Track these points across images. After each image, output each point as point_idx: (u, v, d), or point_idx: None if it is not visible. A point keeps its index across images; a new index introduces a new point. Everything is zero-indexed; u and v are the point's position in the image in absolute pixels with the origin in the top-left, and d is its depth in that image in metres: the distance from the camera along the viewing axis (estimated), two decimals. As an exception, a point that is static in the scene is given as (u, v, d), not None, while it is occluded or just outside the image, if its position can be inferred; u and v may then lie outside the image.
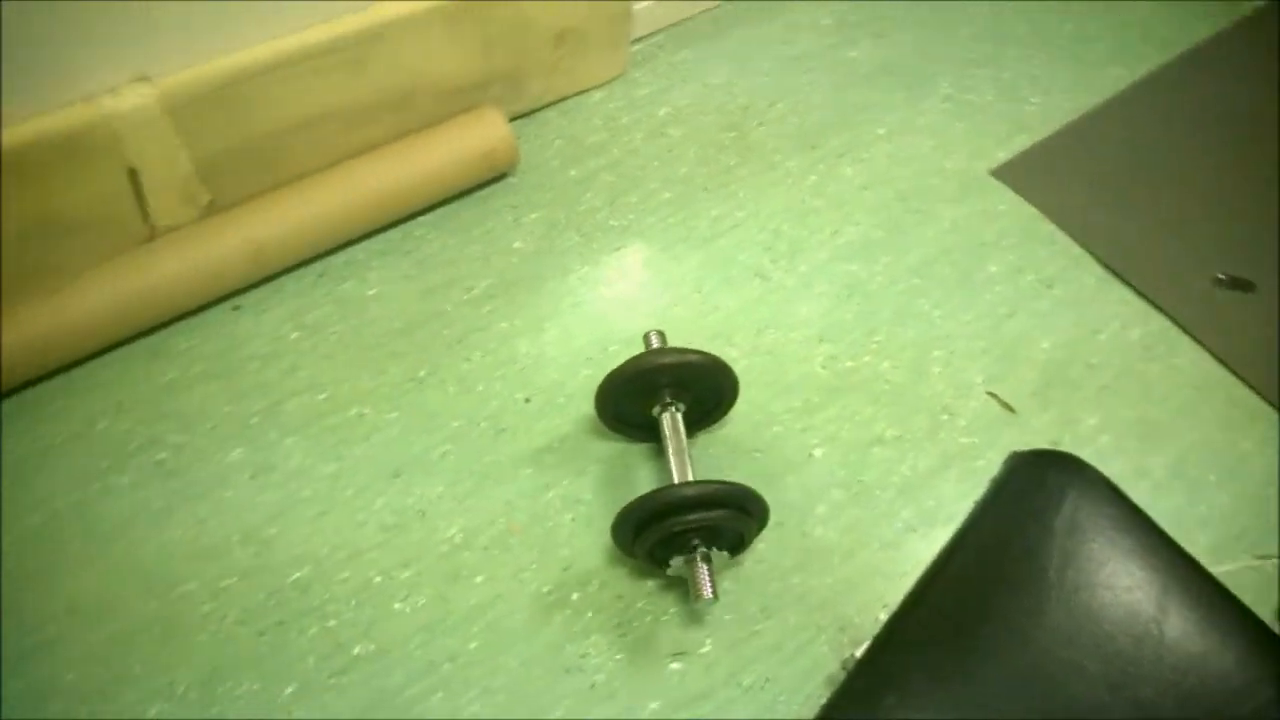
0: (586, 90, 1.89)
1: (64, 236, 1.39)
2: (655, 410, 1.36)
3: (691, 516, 1.19)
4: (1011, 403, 1.50)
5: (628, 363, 1.32)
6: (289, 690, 1.21)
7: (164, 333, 1.52)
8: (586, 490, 1.39)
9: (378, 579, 1.29)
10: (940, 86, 1.94)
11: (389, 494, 1.37)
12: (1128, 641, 0.82)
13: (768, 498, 1.30)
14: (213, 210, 1.51)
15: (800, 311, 1.59)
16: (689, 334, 1.55)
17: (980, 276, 1.65)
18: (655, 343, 1.39)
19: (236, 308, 1.56)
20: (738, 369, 1.39)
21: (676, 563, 1.23)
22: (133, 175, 1.39)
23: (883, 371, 1.53)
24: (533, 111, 1.84)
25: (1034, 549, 0.88)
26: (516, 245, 1.66)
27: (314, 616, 1.26)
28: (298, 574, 1.30)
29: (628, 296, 1.61)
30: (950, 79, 1.96)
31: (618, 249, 1.66)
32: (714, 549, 1.23)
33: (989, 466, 0.92)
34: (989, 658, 0.82)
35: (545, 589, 1.30)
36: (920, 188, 1.77)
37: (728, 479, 1.22)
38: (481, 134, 1.65)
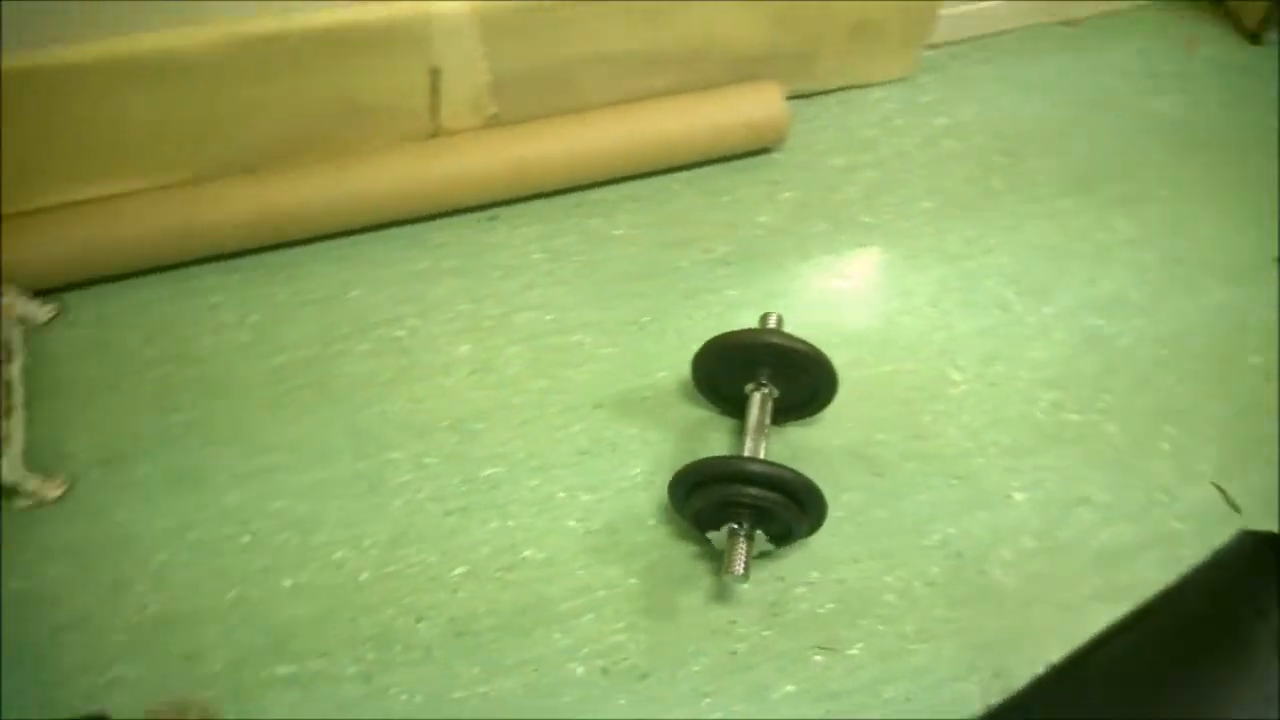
0: (870, 85, 1.89)
1: (360, 118, 1.52)
2: (749, 387, 1.36)
3: (748, 491, 1.19)
4: (1238, 501, 1.41)
5: (735, 332, 1.32)
6: (459, 570, 1.30)
7: (425, 225, 1.63)
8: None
9: (561, 494, 1.36)
10: (1245, 162, 1.82)
11: (588, 421, 1.44)
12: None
13: (952, 527, 1.29)
14: (494, 122, 1.61)
15: (1034, 352, 1.55)
16: (913, 344, 1.54)
17: (1237, 366, 1.55)
18: (772, 324, 1.40)
19: (493, 218, 1.66)
20: (958, 391, 1.38)
21: (719, 533, 1.25)
22: (434, 75, 1.51)
23: (1107, 433, 1.47)
24: (811, 94, 1.86)
25: (1242, 631, 0.81)
26: (763, 219, 1.68)
27: (496, 512, 1.35)
28: (491, 470, 1.38)
29: (861, 293, 1.61)
30: (1257, 158, 1.83)
31: (863, 245, 1.67)
32: (759, 531, 1.23)
33: (1195, 557, 0.88)
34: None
35: (706, 548, 1.33)
36: (1194, 258, 1.68)
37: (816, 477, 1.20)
38: (757, 105, 1.68)
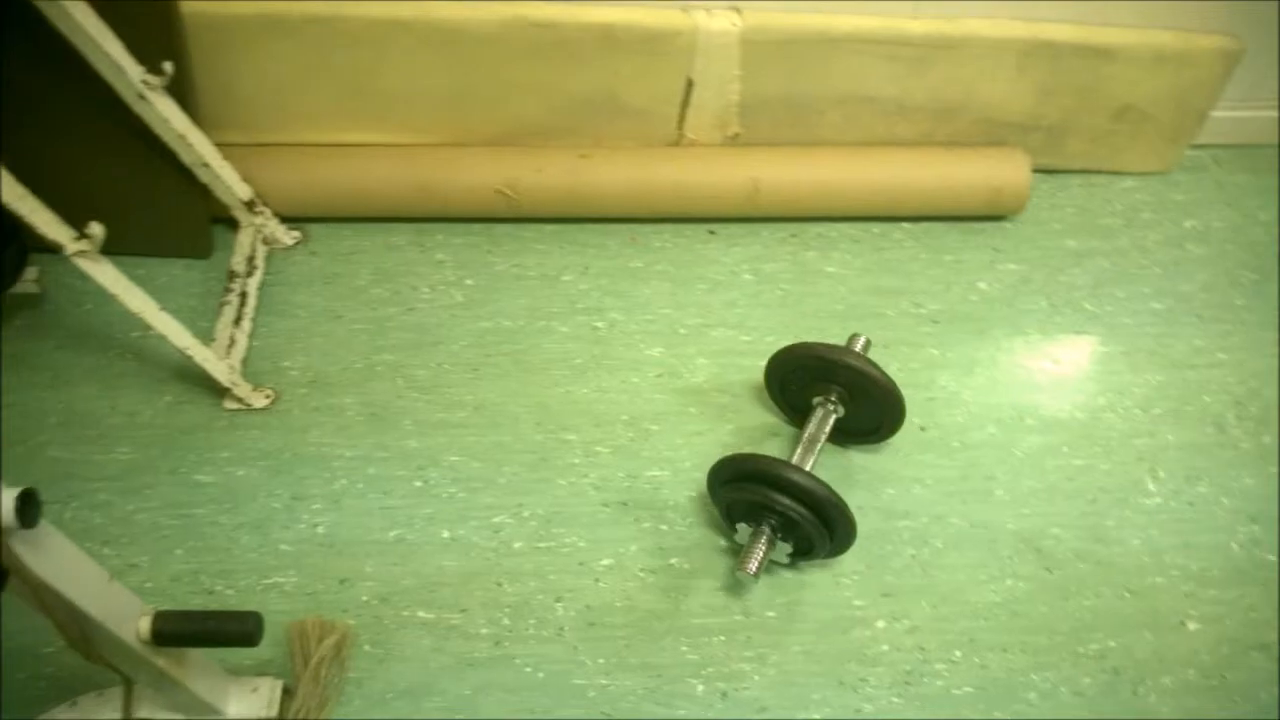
0: (1121, 173, 1.82)
1: (612, 114, 1.59)
2: (816, 400, 1.36)
3: (779, 498, 1.21)
4: None
5: (816, 344, 1.34)
6: (605, 562, 1.32)
7: (646, 226, 1.68)
8: (936, 538, 1.38)
9: (718, 512, 1.37)
10: None
11: (761, 447, 1.44)
12: None
13: (1114, 640, 1.23)
14: (733, 141, 1.64)
15: (1243, 480, 1.45)
16: (1113, 444, 1.47)
17: None
18: (859, 346, 1.39)
19: (712, 231, 1.69)
20: (1151, 503, 1.32)
21: (744, 529, 1.27)
22: (689, 86, 1.55)
23: (1303, 583, 1.37)
24: (1056, 171, 1.80)
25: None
26: (981, 286, 1.65)
27: (652, 513, 1.37)
28: (656, 472, 1.41)
29: (1068, 380, 1.55)
30: None
31: (1080, 332, 1.60)
32: (781, 538, 1.24)
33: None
34: None
35: (858, 602, 1.31)
36: None
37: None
38: (1000, 171, 1.65)
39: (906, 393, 1.49)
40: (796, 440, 1.37)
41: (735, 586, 1.31)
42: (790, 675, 1.25)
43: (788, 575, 1.32)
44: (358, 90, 1.56)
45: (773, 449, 1.44)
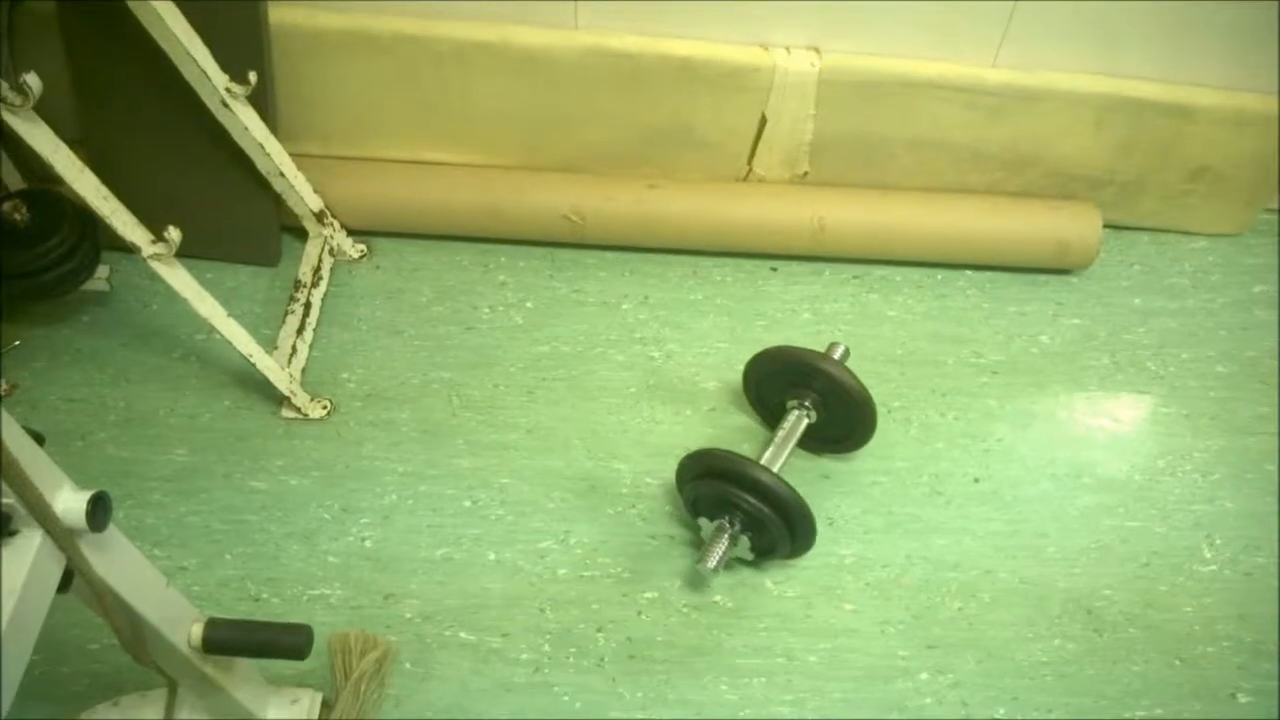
0: (1192, 233, 1.79)
1: (684, 146, 1.60)
2: (790, 403, 1.38)
3: (745, 496, 1.23)
4: None
5: (794, 348, 1.36)
6: (649, 595, 1.32)
7: (708, 259, 1.68)
8: (985, 592, 1.36)
9: (766, 552, 1.36)
10: None
11: (811, 488, 1.43)
12: None
13: (1161, 709, 1.22)
14: (802, 180, 1.64)
15: (1305, 553, 1.42)
16: (1170, 508, 1.45)
17: None
18: (838, 354, 1.38)
19: (774, 269, 1.68)
20: (1207, 570, 1.30)
21: (708, 524, 1.29)
22: (763, 123, 1.56)
23: (1362, 665, 1.33)
24: (1126, 228, 1.78)
25: None
26: (1043, 339, 1.63)
27: (697, 548, 1.35)
28: (706, 508, 1.40)
29: (1127, 440, 1.52)
30: None
31: (1142, 392, 1.58)
32: (744, 535, 1.27)
33: None
34: None
35: (903, 653, 1.30)
36: None
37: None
38: (1071, 224, 1.63)
39: (962, 443, 1.48)
40: (767, 441, 1.38)
41: (778, 628, 1.30)
42: (834, 715, 1.24)
43: (832, 620, 1.31)
44: (434, 109, 1.58)
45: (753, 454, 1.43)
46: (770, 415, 1.47)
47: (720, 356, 1.56)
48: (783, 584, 1.34)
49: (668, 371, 1.54)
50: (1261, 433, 1.55)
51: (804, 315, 1.63)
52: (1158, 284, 1.73)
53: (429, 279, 1.62)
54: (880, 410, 1.48)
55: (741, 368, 1.50)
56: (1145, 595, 1.36)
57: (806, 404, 1.38)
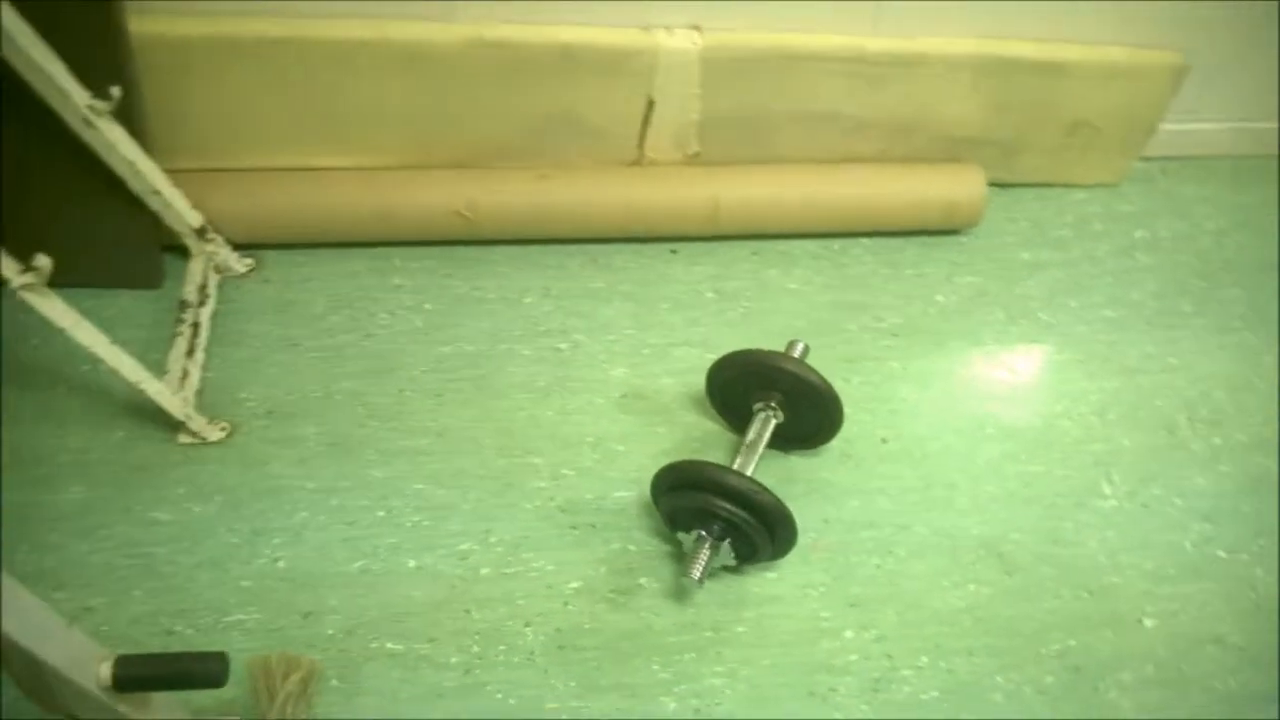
0: (1072, 186, 1.85)
1: (573, 134, 1.59)
2: (756, 406, 1.37)
3: (721, 503, 1.22)
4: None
5: (756, 351, 1.36)
6: (574, 585, 1.31)
7: (608, 246, 1.67)
8: (900, 547, 1.38)
9: (688, 532, 1.37)
10: None
11: (728, 462, 1.43)
12: None
13: (1074, 639, 1.26)
14: (693, 160, 1.65)
15: (1195, 480, 1.49)
16: (1069, 450, 1.50)
17: None
18: (797, 352, 1.40)
19: (674, 250, 1.68)
20: (1105, 507, 1.35)
21: (688, 536, 1.27)
22: (649, 105, 1.56)
23: (1254, 578, 1.40)
24: (1010, 185, 1.83)
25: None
26: (939, 299, 1.66)
27: (620, 533, 1.36)
28: (624, 493, 1.40)
29: (1025, 389, 1.57)
30: None
31: (1036, 341, 1.63)
32: (725, 543, 1.25)
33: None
34: None
35: (825, 614, 1.31)
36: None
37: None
38: (956, 186, 1.67)
39: (869, 406, 1.51)
40: (738, 446, 1.38)
41: (705, 605, 1.30)
42: (761, 688, 1.24)
43: (756, 590, 1.32)
44: (314, 113, 1.53)
45: (716, 456, 1.44)
46: (737, 419, 1.45)
47: (627, 343, 1.56)
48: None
49: (576, 362, 1.53)
50: (1150, 371, 1.61)
51: (707, 295, 1.63)
52: (1044, 237, 1.78)
53: (322, 288, 1.58)
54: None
55: (649, 351, 1.50)
56: (1052, 534, 1.41)
57: (773, 405, 1.38)
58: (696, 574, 1.24)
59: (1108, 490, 1.47)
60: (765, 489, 1.23)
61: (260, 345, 1.51)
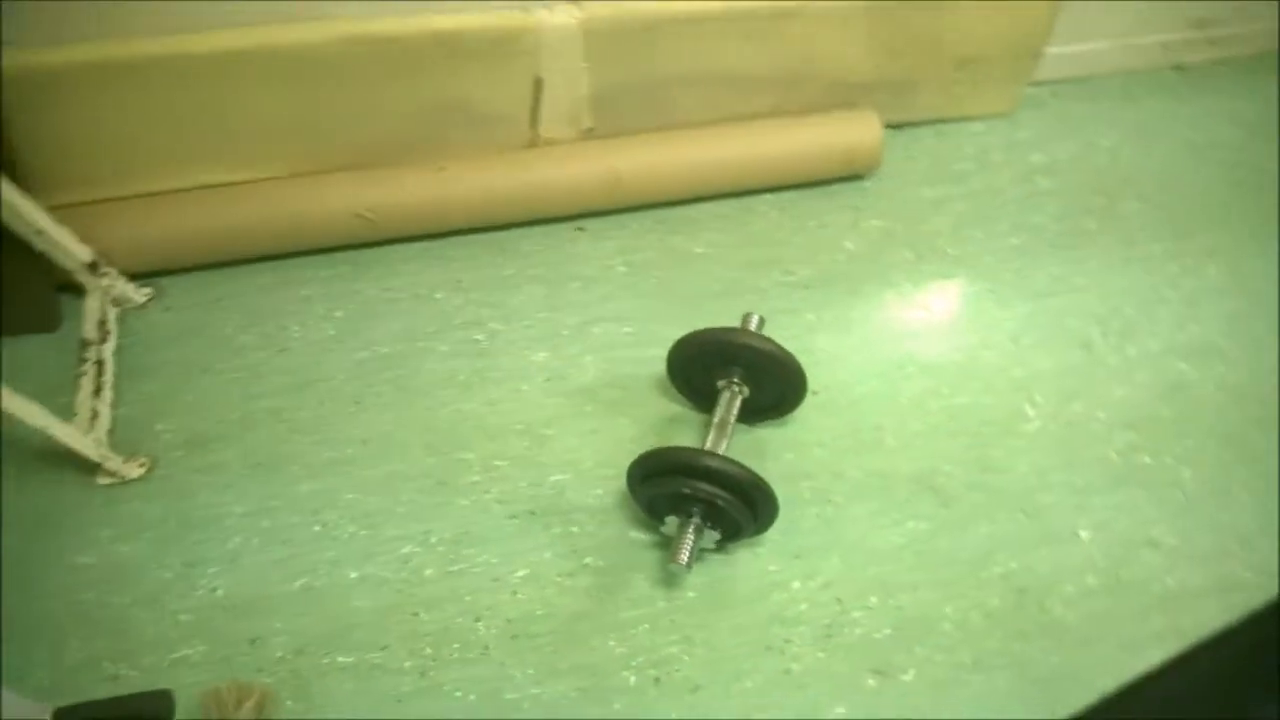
0: (968, 119, 1.88)
1: (464, 123, 1.57)
2: (720, 384, 1.38)
3: (701, 486, 1.22)
4: (1324, 561, 1.36)
5: (713, 330, 1.35)
6: (521, 573, 1.31)
7: (514, 232, 1.66)
8: (837, 493, 1.40)
9: (626, 504, 1.36)
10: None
11: (661, 433, 1.44)
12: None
13: (1015, 561, 1.29)
14: (589, 135, 1.64)
15: (1114, 393, 1.53)
16: (990, 378, 1.52)
17: (1329, 421, 1.50)
18: (753, 325, 1.41)
19: (580, 228, 1.68)
20: (1030, 429, 1.37)
21: (670, 522, 1.28)
22: (537, 85, 1.54)
23: (1181, 479, 1.44)
24: (907, 125, 1.85)
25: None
26: (848, 245, 1.68)
27: (561, 517, 1.36)
28: (559, 476, 1.39)
29: (941, 324, 1.59)
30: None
31: (947, 277, 1.65)
32: (709, 525, 1.26)
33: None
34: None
35: (772, 568, 1.33)
36: (1293, 315, 1.63)
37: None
38: (852, 132, 1.68)
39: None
40: (707, 426, 1.37)
41: (653, 576, 1.31)
42: (718, 650, 1.26)
43: (703, 554, 1.33)
44: (198, 130, 1.50)
45: (680, 437, 1.44)
46: (702, 399, 1.45)
47: (545, 326, 1.55)
48: (651, 531, 1.34)
49: (495, 352, 1.52)
50: (1060, 292, 1.65)
51: (619, 269, 1.63)
52: (944, 172, 1.80)
53: (230, 308, 1.55)
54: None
55: (567, 332, 1.50)
56: (981, 462, 1.44)
57: (736, 381, 1.38)
58: (684, 559, 1.24)
59: (1031, 413, 1.50)
60: (745, 467, 1.23)
61: (171, 374, 1.47)
